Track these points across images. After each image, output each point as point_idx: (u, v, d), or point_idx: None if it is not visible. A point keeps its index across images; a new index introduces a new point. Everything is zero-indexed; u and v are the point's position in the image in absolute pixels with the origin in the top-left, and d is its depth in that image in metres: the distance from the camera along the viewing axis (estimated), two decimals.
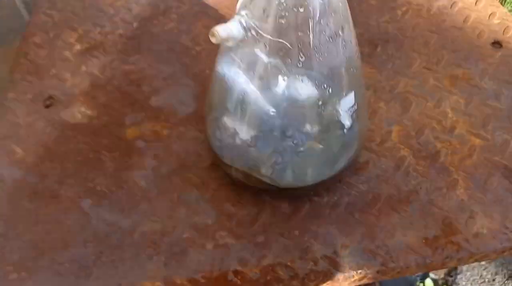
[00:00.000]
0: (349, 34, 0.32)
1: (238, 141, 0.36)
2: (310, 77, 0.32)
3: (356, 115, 0.35)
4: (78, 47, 0.51)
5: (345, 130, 0.37)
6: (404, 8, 0.53)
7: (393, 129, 0.43)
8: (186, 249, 0.36)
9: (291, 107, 0.36)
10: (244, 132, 0.36)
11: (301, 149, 0.36)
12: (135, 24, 0.53)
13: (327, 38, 0.30)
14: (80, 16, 0.54)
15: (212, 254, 0.36)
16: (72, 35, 0.52)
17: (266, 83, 0.35)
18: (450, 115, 0.44)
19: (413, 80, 0.46)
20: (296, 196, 0.38)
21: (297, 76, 0.34)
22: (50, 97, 0.47)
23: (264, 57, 0.33)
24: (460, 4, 0.53)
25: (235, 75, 0.34)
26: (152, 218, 0.38)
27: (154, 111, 0.45)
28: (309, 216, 0.38)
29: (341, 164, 0.36)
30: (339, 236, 0.36)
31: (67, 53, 0.51)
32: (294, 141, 0.36)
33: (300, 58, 0.29)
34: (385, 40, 0.50)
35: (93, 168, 0.41)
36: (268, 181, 0.36)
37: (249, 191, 0.39)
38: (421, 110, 0.44)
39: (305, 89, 0.35)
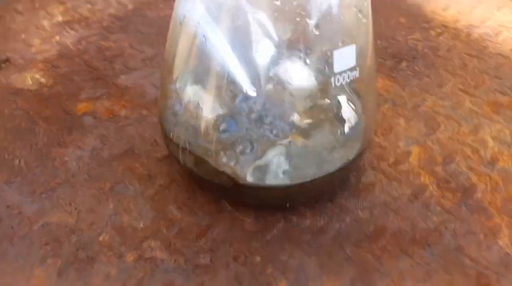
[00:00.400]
0: None
1: (198, 117, 0.25)
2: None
3: (357, 92, 0.23)
4: (59, 18, 0.43)
5: (346, 127, 0.25)
6: (439, 30, 0.43)
7: (413, 150, 0.31)
8: (96, 257, 0.24)
9: (276, 91, 0.25)
10: (210, 108, 0.25)
11: (280, 141, 0.24)
12: (130, 6, 0.45)
13: None
14: None
15: (130, 270, 0.23)
16: (58, 8, 0.44)
17: (246, 48, 0.24)
18: (490, 145, 0.31)
19: (443, 101, 0.35)
20: (267, 209, 0.26)
21: (291, 55, 0.23)
22: (7, 60, 0.37)
23: (244, 4, 0.22)
24: (506, 34, 0.42)
25: (203, 24, 0.24)
26: (67, 208, 0.26)
27: (119, 90, 0.35)
28: (280, 239, 0.25)
29: (332, 165, 0.24)
30: (319, 274, 0.23)
31: (45, 23, 0.42)
32: (274, 132, 0.25)
33: None
34: (412, 56, 0.39)
35: (21, 138, 0.31)
36: (229, 172, 0.24)
37: (207, 195, 0.27)
38: (452, 134, 0.32)
39: (299, 75, 0.24)
